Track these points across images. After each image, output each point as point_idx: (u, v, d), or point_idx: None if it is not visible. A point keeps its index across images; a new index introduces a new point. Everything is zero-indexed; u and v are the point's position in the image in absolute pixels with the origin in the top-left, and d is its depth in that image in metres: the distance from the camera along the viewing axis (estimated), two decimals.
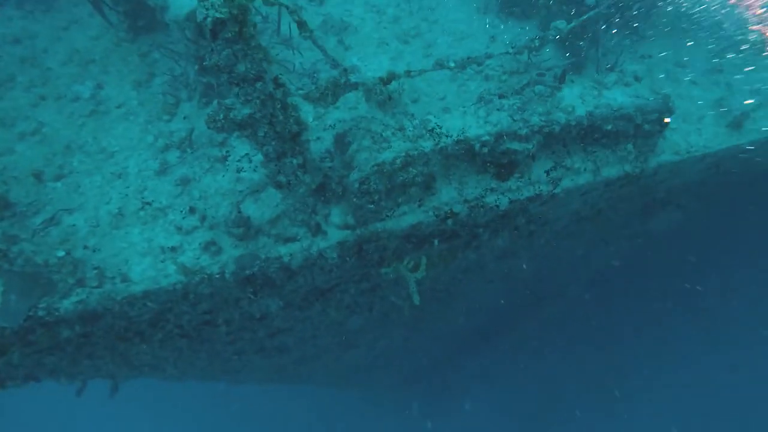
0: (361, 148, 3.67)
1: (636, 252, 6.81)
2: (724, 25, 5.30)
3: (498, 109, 3.73)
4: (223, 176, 4.47)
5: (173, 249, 3.86)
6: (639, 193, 5.00)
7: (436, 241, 4.25)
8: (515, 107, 3.72)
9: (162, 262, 3.75)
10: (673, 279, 7.42)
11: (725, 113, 4.58)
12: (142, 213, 4.06)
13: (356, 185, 3.60)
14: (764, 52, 5.14)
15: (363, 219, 3.84)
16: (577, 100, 3.77)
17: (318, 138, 3.79)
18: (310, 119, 3.68)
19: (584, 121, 3.73)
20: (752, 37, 5.18)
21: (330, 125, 3.71)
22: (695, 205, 6.03)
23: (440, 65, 3.90)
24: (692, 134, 4.48)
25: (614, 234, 6.19)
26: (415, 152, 3.62)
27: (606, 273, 6.55)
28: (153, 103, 5.18)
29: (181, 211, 4.23)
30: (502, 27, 5.68)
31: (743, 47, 5.11)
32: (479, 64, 4.02)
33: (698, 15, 5.40)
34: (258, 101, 3.06)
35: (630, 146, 4.00)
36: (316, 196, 3.84)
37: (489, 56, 4.07)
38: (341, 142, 3.83)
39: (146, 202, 4.17)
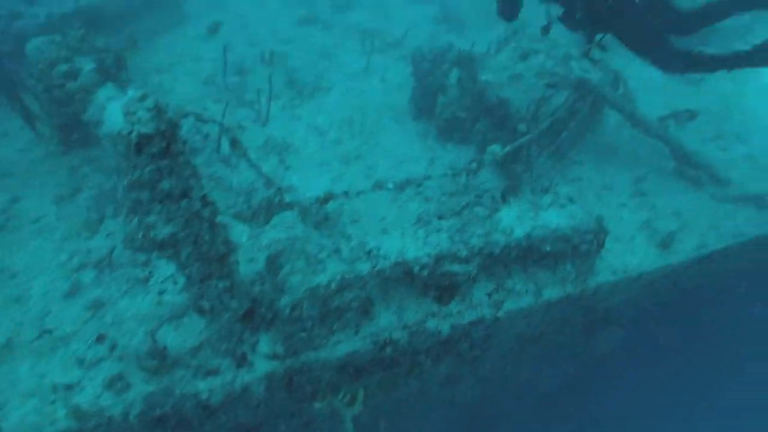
0: (295, 270, 3.44)
1: (581, 373, 6.66)
2: (642, 154, 5.70)
3: (437, 231, 3.66)
4: (143, 299, 4.06)
5: (69, 387, 3.32)
6: (580, 312, 4.95)
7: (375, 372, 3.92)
8: (454, 228, 3.66)
9: (51, 403, 3.19)
10: (617, 401, 7.25)
11: (653, 234, 4.74)
12: (37, 343, 3.54)
13: (287, 311, 3.31)
14: (679, 177, 5.51)
15: (294, 348, 3.50)
16: (514, 221, 3.78)
17: (252, 259, 3.53)
18: (244, 239, 3.44)
19: (523, 242, 3.71)
20: (667, 164, 5.57)
21: (265, 245, 3.49)
22: (634, 323, 6.04)
23: (379, 186, 3.86)
24: (626, 254, 4.56)
25: (558, 355, 6.04)
26: (352, 275, 3.42)
27: (551, 396, 6.29)
28: (74, 219, 4.81)
29: (87, 340, 3.74)
30: (441, 151, 5.88)
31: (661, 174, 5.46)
32: (418, 185, 4.00)
33: (619, 144, 5.81)
34: (182, 219, 2.82)
35: (569, 266, 3.98)
36: (244, 323, 3.49)
37: (428, 178, 4.08)
38: (273, 263, 3.59)
39: (45, 329, 3.66)
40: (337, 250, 3.52)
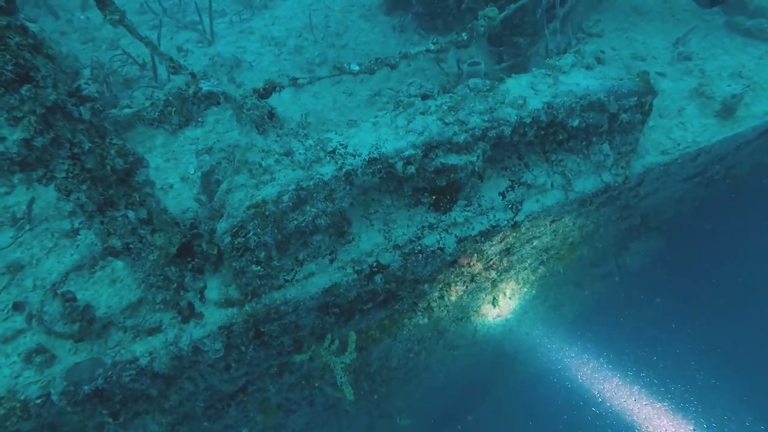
0: (234, 186, 2.54)
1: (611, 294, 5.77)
2: (678, 12, 4.56)
3: (422, 113, 2.69)
4: (72, 256, 3.24)
5: None
6: (618, 215, 4.00)
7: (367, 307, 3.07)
8: (445, 107, 2.69)
9: None
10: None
11: (708, 102, 3.69)
12: None
13: (227, 239, 2.43)
14: (729, 33, 4.39)
15: (251, 289, 2.65)
16: (527, 90, 2.78)
17: (188, 178, 2.64)
18: (157, 146, 2.53)
19: (542, 116, 2.72)
20: (713, 19, 4.44)
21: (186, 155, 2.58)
22: (675, 230, 5.08)
23: (340, 70, 2.88)
24: (675, 130, 3.54)
25: (587, 275, 5.14)
26: (311, 182, 2.51)
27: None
28: None
29: (2, 310, 2.96)
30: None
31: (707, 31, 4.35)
32: (392, 67, 3.01)
33: (646, 6, 4.67)
34: (33, 120, 1.91)
35: (606, 147, 3.00)
36: (181, 264, 2.64)
37: (405, 56, 3.09)
38: (208, 181, 2.70)
39: None
40: (289, 153, 2.59)
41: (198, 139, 3.67)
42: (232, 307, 2.69)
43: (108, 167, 2.17)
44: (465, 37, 3.23)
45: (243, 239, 2.44)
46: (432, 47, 3.12)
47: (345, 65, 2.91)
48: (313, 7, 5.52)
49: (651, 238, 5.13)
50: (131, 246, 2.39)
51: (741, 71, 3.93)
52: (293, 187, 2.48)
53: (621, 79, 2.83)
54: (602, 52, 2.94)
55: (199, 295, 2.70)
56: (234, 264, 2.54)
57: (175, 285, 2.63)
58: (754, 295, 5.97)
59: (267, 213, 2.45)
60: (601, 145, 3.00)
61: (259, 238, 2.47)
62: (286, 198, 2.46)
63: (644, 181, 3.40)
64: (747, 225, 5.28)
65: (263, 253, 2.54)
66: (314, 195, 2.53)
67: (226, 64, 4.54)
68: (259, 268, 2.57)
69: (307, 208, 2.54)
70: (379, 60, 2.98)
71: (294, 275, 2.73)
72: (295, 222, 2.54)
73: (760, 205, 5.02)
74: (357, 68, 2.91)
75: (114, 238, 2.35)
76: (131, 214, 2.34)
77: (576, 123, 2.81)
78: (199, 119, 3.44)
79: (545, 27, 3.73)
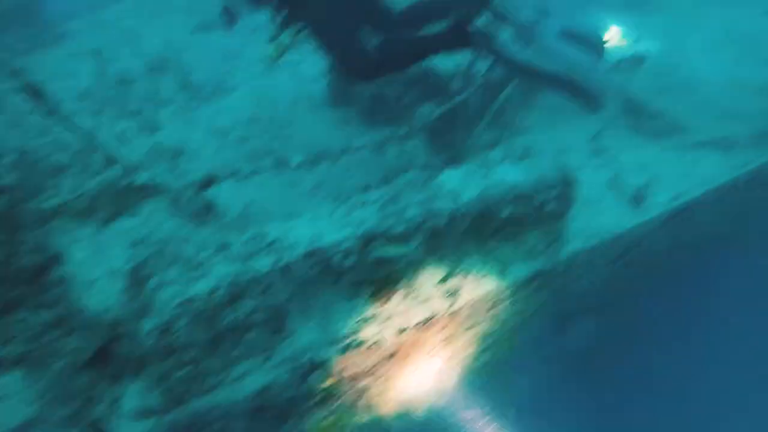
0: (165, 282, 2.38)
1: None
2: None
3: (361, 205, 2.71)
4: None
5: None
6: (554, 299, 4.11)
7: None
8: (384, 199, 2.73)
9: None
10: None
11: (622, 192, 4.01)
12: None
13: (152, 339, 2.24)
14: (634, 132, 4.89)
15: (176, 395, 2.41)
16: (461, 183, 2.89)
17: (97, 274, 2.45)
18: (79, 241, 2.36)
19: (476, 207, 2.82)
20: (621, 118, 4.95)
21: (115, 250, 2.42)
22: (609, 311, 5.30)
23: (281, 163, 2.89)
24: (596, 217, 3.78)
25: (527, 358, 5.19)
26: (247, 277, 2.40)
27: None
28: None
29: None
30: (367, 135, 4.99)
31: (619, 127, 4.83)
32: (334, 159, 3.07)
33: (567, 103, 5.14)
34: None
35: (536, 235, 3.13)
36: (94, 372, 2.38)
37: (346, 150, 3.16)
38: (136, 277, 2.53)
39: None
40: (225, 246, 2.50)
41: (131, 230, 3.47)
42: (153, 416, 2.43)
43: (12, 266, 1.97)
44: (404, 132, 3.37)
45: (170, 339, 2.26)
46: (373, 140, 3.22)
47: (286, 157, 2.93)
48: (261, 99, 5.61)
49: (586, 320, 5.29)
50: (35, 353, 2.14)
51: (646, 165, 4.34)
52: (228, 281, 2.36)
53: (545, 172, 3.02)
54: (529, 148, 3.15)
55: (111, 407, 2.43)
56: (160, 366, 2.33)
57: (84, 397, 2.35)
58: (671, 375, 6.19)
59: (197, 310, 2.30)
60: (531, 233, 3.13)
61: (188, 337, 2.29)
62: (219, 294, 2.33)
63: (573, 266, 3.55)
64: (662, 305, 5.59)
65: (192, 354, 2.35)
66: (250, 290, 2.42)
67: (167, 153, 4.44)
68: (185, 370, 2.36)
69: (242, 303, 2.41)
70: (320, 154, 3.03)
71: (225, 376, 2.54)
72: (228, 319, 2.40)
73: (672, 286, 5.36)
74: (298, 161, 2.93)
75: (14, 344, 2.09)
76: (41, 317, 2.11)
77: (506, 213, 2.93)
78: (133, 211, 3.28)
79: (478, 123, 3.99)
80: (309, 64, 6.52)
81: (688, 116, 4.99)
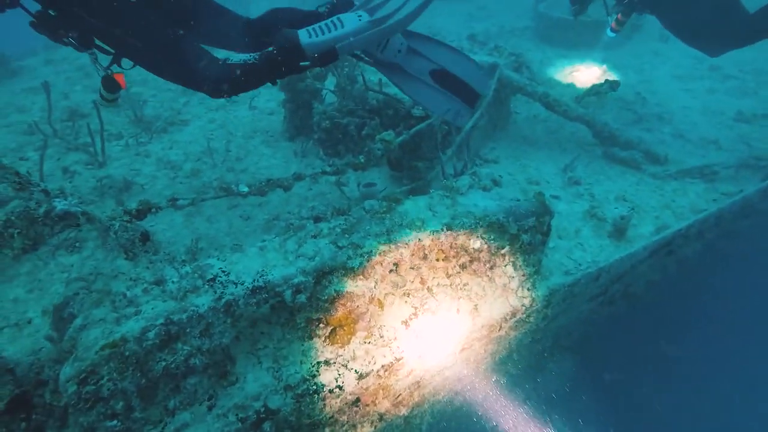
0: (90, 321, 2.13)
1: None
2: (564, 143, 4.96)
3: (314, 236, 2.50)
4: None
5: None
6: (530, 339, 3.88)
7: None
8: (339, 230, 2.53)
9: None
10: None
11: (601, 224, 3.85)
12: None
13: (72, 387, 1.97)
14: (608, 162, 4.79)
15: None
16: (425, 212, 2.70)
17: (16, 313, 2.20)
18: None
19: (441, 237, 2.62)
20: (594, 149, 4.85)
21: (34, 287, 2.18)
22: (587, 347, 5.06)
23: (227, 191, 2.69)
24: (575, 251, 3.60)
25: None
26: (183, 315, 2.16)
27: None
28: None
29: None
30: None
31: (590, 159, 4.72)
32: (286, 189, 2.87)
33: (535, 137, 5.05)
34: None
35: (510, 269, 2.93)
36: (13, 423, 2.10)
37: (298, 177, 2.97)
38: (60, 316, 2.28)
39: None
40: (161, 282, 2.26)
41: (72, 266, 3.23)
42: None
43: None
44: (362, 160, 3.20)
45: (94, 387, 1.99)
46: (328, 169, 3.04)
47: (233, 186, 2.73)
48: (215, 132, 5.48)
49: (565, 360, 5.04)
50: None
51: (624, 195, 4.21)
52: (161, 321, 2.11)
53: (518, 200, 2.85)
54: (499, 176, 2.98)
55: None
56: (81, 419, 2.05)
57: None
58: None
59: (127, 353, 2.04)
60: (505, 267, 2.93)
61: (116, 384, 2.03)
62: (152, 334, 2.08)
63: (551, 303, 3.34)
64: (643, 343, 5.38)
65: (121, 404, 2.07)
66: (188, 330, 2.17)
67: (114, 186, 4.24)
68: (115, 422, 2.08)
69: (179, 345, 2.16)
70: (271, 181, 2.84)
71: (162, 428, 2.25)
72: (164, 363, 2.13)
73: (652, 323, 5.17)
74: (246, 189, 2.73)
75: None
76: None
77: (477, 245, 2.74)
78: (77, 244, 3.05)
79: (442, 152, 3.84)
80: (266, 97, 6.48)
81: (663, 146, 4.92)
